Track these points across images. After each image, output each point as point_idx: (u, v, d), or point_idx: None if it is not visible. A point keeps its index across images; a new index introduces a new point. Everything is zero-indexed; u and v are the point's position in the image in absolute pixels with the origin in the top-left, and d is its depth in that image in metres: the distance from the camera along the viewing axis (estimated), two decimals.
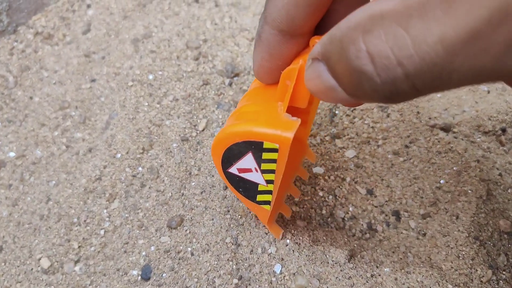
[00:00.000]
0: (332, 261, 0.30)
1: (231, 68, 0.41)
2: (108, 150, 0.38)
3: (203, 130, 0.38)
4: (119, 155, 0.38)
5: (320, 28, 0.23)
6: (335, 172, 0.36)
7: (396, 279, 0.29)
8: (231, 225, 0.33)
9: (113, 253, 0.33)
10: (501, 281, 0.30)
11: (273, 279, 0.29)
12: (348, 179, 0.35)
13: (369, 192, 0.35)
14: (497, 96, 0.39)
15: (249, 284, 0.30)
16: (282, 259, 0.30)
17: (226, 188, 0.35)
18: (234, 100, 0.39)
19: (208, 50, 0.43)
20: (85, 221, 0.35)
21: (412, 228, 0.33)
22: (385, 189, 0.35)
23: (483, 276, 0.30)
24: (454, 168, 0.35)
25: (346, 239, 0.33)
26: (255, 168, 0.25)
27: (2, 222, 0.37)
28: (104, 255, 0.34)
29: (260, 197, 0.27)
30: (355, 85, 0.16)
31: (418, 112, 0.38)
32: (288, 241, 0.31)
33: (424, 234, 0.33)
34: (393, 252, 0.32)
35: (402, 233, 0.33)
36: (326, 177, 0.36)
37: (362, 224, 0.34)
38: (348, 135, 0.37)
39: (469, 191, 0.34)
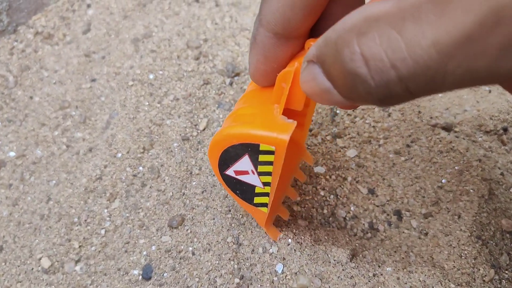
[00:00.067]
0: (334, 260, 0.30)
1: (232, 67, 0.41)
2: (109, 149, 0.38)
3: (203, 129, 0.38)
4: (119, 155, 0.38)
5: (315, 31, 0.23)
6: (336, 172, 0.36)
7: (398, 278, 0.29)
8: (232, 225, 0.32)
9: (114, 252, 0.33)
10: (503, 280, 0.30)
11: (275, 278, 0.29)
12: (349, 178, 0.35)
13: (370, 192, 0.35)
14: (499, 96, 0.39)
15: (251, 284, 0.30)
16: (284, 259, 0.30)
17: None
18: (234, 99, 0.39)
19: (208, 50, 0.43)
20: (85, 220, 0.35)
21: (414, 228, 0.33)
22: (387, 189, 0.35)
23: (485, 276, 0.30)
24: (456, 167, 0.35)
25: (347, 239, 0.32)
26: (252, 170, 0.25)
27: (3, 221, 0.37)
28: (105, 254, 0.33)
29: (257, 200, 0.27)
30: (350, 87, 0.16)
31: (419, 112, 0.38)
32: (289, 240, 0.31)
33: (426, 234, 0.32)
34: (395, 252, 0.32)
35: (404, 232, 0.33)
36: (327, 177, 0.35)
37: (363, 224, 0.34)
38: (349, 134, 0.37)
39: (471, 191, 0.33)
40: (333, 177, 0.35)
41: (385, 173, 0.35)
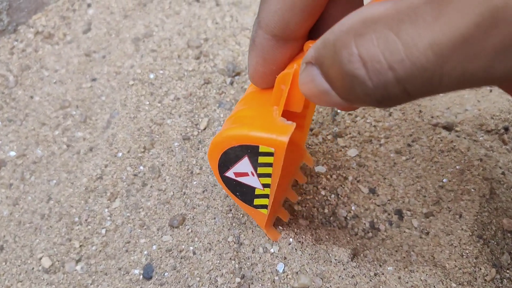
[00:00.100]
0: (335, 260, 0.30)
1: (232, 67, 0.41)
2: (109, 149, 0.38)
3: (204, 129, 0.38)
4: (120, 154, 0.38)
5: (314, 33, 0.23)
6: (337, 171, 0.36)
7: (399, 277, 0.29)
8: (233, 224, 0.32)
9: (115, 252, 0.33)
10: (505, 279, 0.30)
11: (276, 278, 0.29)
12: (350, 178, 0.35)
13: (371, 191, 0.35)
14: (500, 95, 0.39)
15: (252, 283, 0.29)
16: (285, 258, 0.30)
17: None
18: (235, 99, 0.39)
19: (209, 49, 0.43)
20: (86, 220, 0.35)
21: (415, 227, 0.33)
22: (388, 188, 0.35)
23: (487, 275, 0.30)
24: (457, 167, 0.35)
25: (348, 238, 0.32)
26: (252, 172, 0.25)
27: (3, 221, 0.37)
28: (105, 254, 0.33)
29: (257, 201, 0.27)
30: (348, 89, 0.16)
31: (420, 111, 0.38)
32: (291, 239, 0.31)
33: (427, 233, 0.32)
34: (396, 251, 0.32)
35: (405, 232, 0.33)
36: (328, 176, 0.35)
37: (364, 223, 0.34)
38: (350, 134, 0.37)
39: (472, 190, 0.33)
40: (334, 176, 0.35)
41: (386, 173, 0.35)
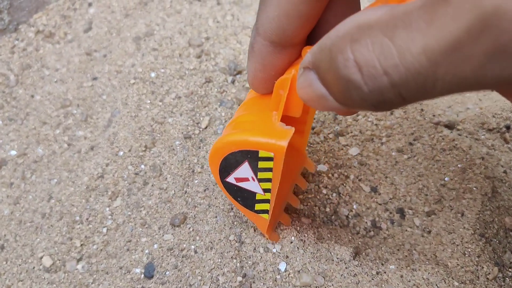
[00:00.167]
0: (337, 258, 0.29)
1: (234, 65, 0.41)
2: (110, 148, 0.38)
3: (206, 127, 0.38)
4: (121, 153, 0.38)
5: (312, 38, 0.24)
6: (339, 170, 0.36)
7: (401, 276, 0.29)
8: (235, 223, 0.32)
9: (116, 251, 0.33)
10: (507, 278, 0.30)
11: (278, 276, 0.29)
12: (352, 176, 0.35)
13: (373, 190, 0.35)
14: None
15: (253, 282, 0.29)
16: (287, 257, 0.30)
17: None
18: (237, 97, 0.39)
19: (210, 48, 0.43)
20: (87, 219, 0.35)
21: (416, 226, 0.33)
22: (389, 187, 0.35)
23: (489, 273, 0.30)
24: (459, 165, 0.35)
25: (350, 237, 0.32)
26: (252, 177, 0.25)
27: (4, 220, 0.37)
28: (106, 253, 0.33)
29: (258, 206, 0.27)
30: (344, 93, 0.16)
31: (422, 110, 0.38)
32: (292, 238, 0.31)
33: (429, 232, 0.32)
34: (398, 250, 0.32)
35: (406, 230, 0.33)
36: (330, 175, 0.35)
37: (366, 222, 0.34)
38: (351, 132, 0.37)
39: (474, 189, 0.33)
40: (336, 175, 0.35)
41: (387, 171, 0.35)
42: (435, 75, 0.14)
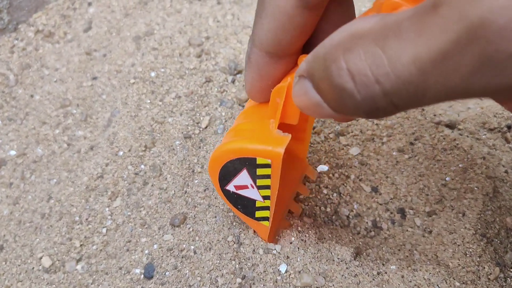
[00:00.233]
0: (338, 258, 0.29)
1: (234, 65, 0.41)
2: (110, 148, 0.38)
3: (206, 127, 0.38)
4: (121, 153, 0.37)
5: (309, 46, 0.24)
6: (339, 170, 0.35)
7: (403, 276, 0.29)
8: (234, 223, 0.32)
9: (116, 251, 0.33)
10: (508, 278, 0.30)
11: (278, 277, 0.29)
12: (352, 176, 0.35)
13: (373, 190, 0.35)
14: None
15: (253, 284, 0.29)
16: (288, 257, 0.30)
17: None
18: (237, 97, 0.39)
19: (210, 47, 0.43)
20: (87, 219, 0.35)
21: (417, 226, 0.33)
22: (390, 187, 0.34)
23: (490, 274, 0.30)
24: (460, 165, 0.34)
25: (351, 237, 0.32)
26: (251, 185, 0.25)
27: (3, 220, 0.37)
28: (106, 253, 0.33)
29: (258, 214, 0.27)
30: (338, 101, 0.17)
31: (422, 109, 0.38)
32: (293, 238, 0.30)
33: (430, 232, 0.32)
34: (399, 250, 0.31)
35: (407, 230, 0.33)
36: (330, 175, 0.35)
37: (367, 222, 0.33)
38: (352, 132, 0.37)
39: (475, 188, 0.33)
40: (336, 175, 0.35)
41: (388, 171, 0.35)
42: (425, 84, 0.14)
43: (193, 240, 0.32)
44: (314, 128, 0.38)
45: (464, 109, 0.38)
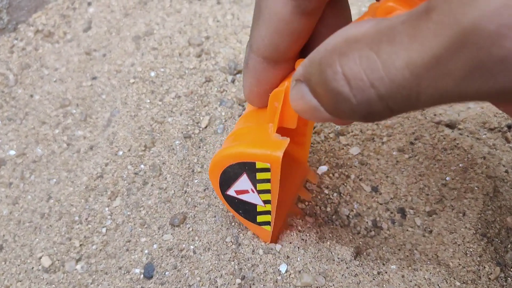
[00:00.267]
0: (338, 258, 0.29)
1: (234, 65, 0.41)
2: (110, 147, 0.38)
3: (205, 127, 0.38)
4: (120, 153, 0.37)
5: (306, 51, 0.24)
6: (340, 170, 0.35)
7: (403, 276, 0.29)
8: (233, 223, 0.32)
9: (115, 251, 0.33)
10: (509, 278, 0.30)
11: (279, 277, 0.29)
12: (352, 176, 0.35)
13: (374, 189, 0.35)
14: None
15: (253, 284, 0.29)
16: (288, 257, 0.29)
17: None
18: (237, 97, 0.39)
19: (210, 47, 0.43)
20: (86, 219, 0.35)
21: (418, 226, 0.33)
22: (390, 186, 0.34)
23: (491, 273, 0.30)
24: (460, 165, 0.34)
25: (351, 237, 0.32)
26: (252, 189, 0.26)
27: (3, 220, 0.37)
28: (106, 253, 0.33)
29: (260, 218, 0.28)
30: (334, 105, 0.17)
31: (422, 109, 0.38)
32: (293, 238, 0.30)
33: (431, 231, 0.32)
34: (399, 250, 0.31)
35: (407, 230, 0.33)
36: (331, 175, 0.35)
37: (367, 222, 0.33)
38: (352, 132, 0.37)
39: (476, 188, 0.33)
40: (336, 175, 0.35)
41: (388, 171, 0.35)
42: (418, 88, 0.14)
43: (192, 240, 0.32)
44: (314, 127, 0.38)
45: (464, 109, 0.38)
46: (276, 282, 0.29)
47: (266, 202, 0.26)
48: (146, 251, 0.32)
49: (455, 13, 0.13)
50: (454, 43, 0.13)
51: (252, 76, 0.24)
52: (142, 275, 0.31)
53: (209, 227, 0.32)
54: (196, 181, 0.35)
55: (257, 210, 0.27)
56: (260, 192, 0.26)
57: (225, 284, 0.29)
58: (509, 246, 0.31)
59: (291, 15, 0.21)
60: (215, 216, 0.33)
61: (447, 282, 0.28)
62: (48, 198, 0.37)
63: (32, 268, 0.34)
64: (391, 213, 0.33)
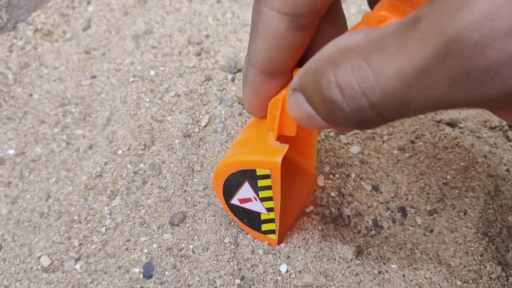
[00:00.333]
0: (339, 257, 0.29)
1: (234, 63, 0.41)
2: (109, 146, 0.38)
3: (205, 126, 0.38)
4: (120, 152, 0.37)
5: (304, 62, 0.25)
6: (340, 169, 0.35)
7: (404, 275, 0.29)
8: (232, 223, 0.32)
9: (115, 250, 0.33)
10: (510, 277, 0.30)
11: (279, 278, 0.29)
12: (353, 175, 0.35)
13: (374, 188, 0.34)
14: None
15: (253, 284, 0.29)
16: (288, 257, 0.29)
17: None
18: (237, 95, 0.39)
19: (210, 46, 0.43)
20: (85, 218, 0.35)
21: (418, 225, 0.33)
22: (391, 185, 0.34)
23: (492, 273, 0.29)
24: (461, 163, 0.34)
25: (352, 236, 0.32)
26: (254, 197, 0.26)
27: (2, 220, 0.37)
28: (105, 252, 0.33)
29: (264, 227, 0.28)
30: (329, 113, 0.17)
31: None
32: (293, 238, 0.30)
33: (431, 231, 0.32)
34: (400, 249, 0.31)
35: (408, 229, 0.33)
36: (331, 174, 0.35)
37: (367, 221, 0.33)
38: (352, 130, 0.37)
39: (477, 187, 0.33)
40: (337, 174, 0.35)
41: (389, 170, 0.35)
42: (408, 96, 0.14)
43: (192, 240, 0.32)
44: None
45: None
46: (276, 282, 0.29)
47: (269, 210, 0.27)
48: (145, 251, 0.32)
49: (441, 23, 0.13)
50: (440, 53, 0.13)
51: (251, 89, 0.25)
52: (141, 275, 0.31)
53: (208, 226, 0.32)
54: (195, 180, 0.35)
55: (261, 218, 0.27)
56: (262, 199, 0.26)
57: (224, 285, 0.29)
58: (510, 245, 0.31)
59: (286, 30, 0.21)
60: (214, 215, 0.33)
61: (448, 282, 0.28)
62: (47, 197, 0.37)
63: (31, 267, 0.34)
64: (392, 212, 0.33)
